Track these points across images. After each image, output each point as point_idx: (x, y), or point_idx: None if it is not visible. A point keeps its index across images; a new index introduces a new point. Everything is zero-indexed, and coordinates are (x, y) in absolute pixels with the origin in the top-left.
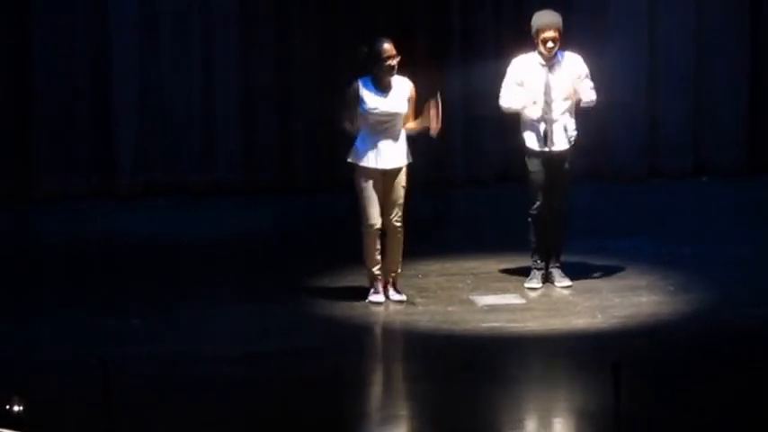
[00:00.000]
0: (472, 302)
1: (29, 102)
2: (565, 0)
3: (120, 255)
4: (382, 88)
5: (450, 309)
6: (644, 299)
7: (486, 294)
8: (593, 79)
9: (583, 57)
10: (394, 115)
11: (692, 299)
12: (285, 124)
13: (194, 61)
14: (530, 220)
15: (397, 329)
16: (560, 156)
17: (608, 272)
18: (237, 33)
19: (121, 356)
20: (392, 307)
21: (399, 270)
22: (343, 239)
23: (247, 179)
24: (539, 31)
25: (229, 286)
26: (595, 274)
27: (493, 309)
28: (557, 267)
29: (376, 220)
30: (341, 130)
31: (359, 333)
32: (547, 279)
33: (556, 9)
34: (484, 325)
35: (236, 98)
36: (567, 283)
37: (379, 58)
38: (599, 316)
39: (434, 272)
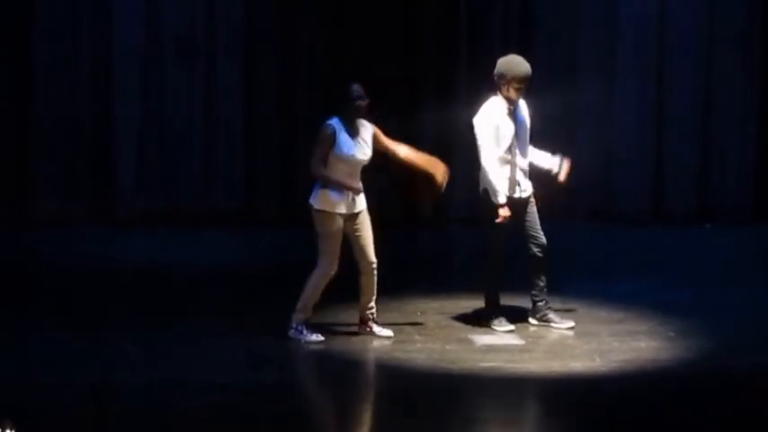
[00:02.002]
0: (471, 341)
1: (30, 126)
2: (572, 44)
3: (117, 280)
4: (353, 133)
5: (448, 347)
6: (643, 344)
7: (485, 334)
8: (599, 119)
9: (589, 99)
10: (365, 162)
11: (692, 345)
12: (286, 154)
13: (196, 88)
14: (492, 265)
15: (393, 366)
16: (528, 199)
17: (608, 315)
18: (240, 62)
19: (114, 383)
20: (385, 343)
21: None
22: (340, 273)
23: (247, 209)
24: (513, 80)
25: (225, 316)
26: (595, 318)
27: (491, 349)
28: (551, 309)
29: (336, 267)
30: (316, 175)
31: (354, 368)
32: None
33: (563, 56)
34: (482, 365)
35: (237, 126)
36: (567, 325)
37: (349, 99)
38: (598, 359)
39: (433, 309)
